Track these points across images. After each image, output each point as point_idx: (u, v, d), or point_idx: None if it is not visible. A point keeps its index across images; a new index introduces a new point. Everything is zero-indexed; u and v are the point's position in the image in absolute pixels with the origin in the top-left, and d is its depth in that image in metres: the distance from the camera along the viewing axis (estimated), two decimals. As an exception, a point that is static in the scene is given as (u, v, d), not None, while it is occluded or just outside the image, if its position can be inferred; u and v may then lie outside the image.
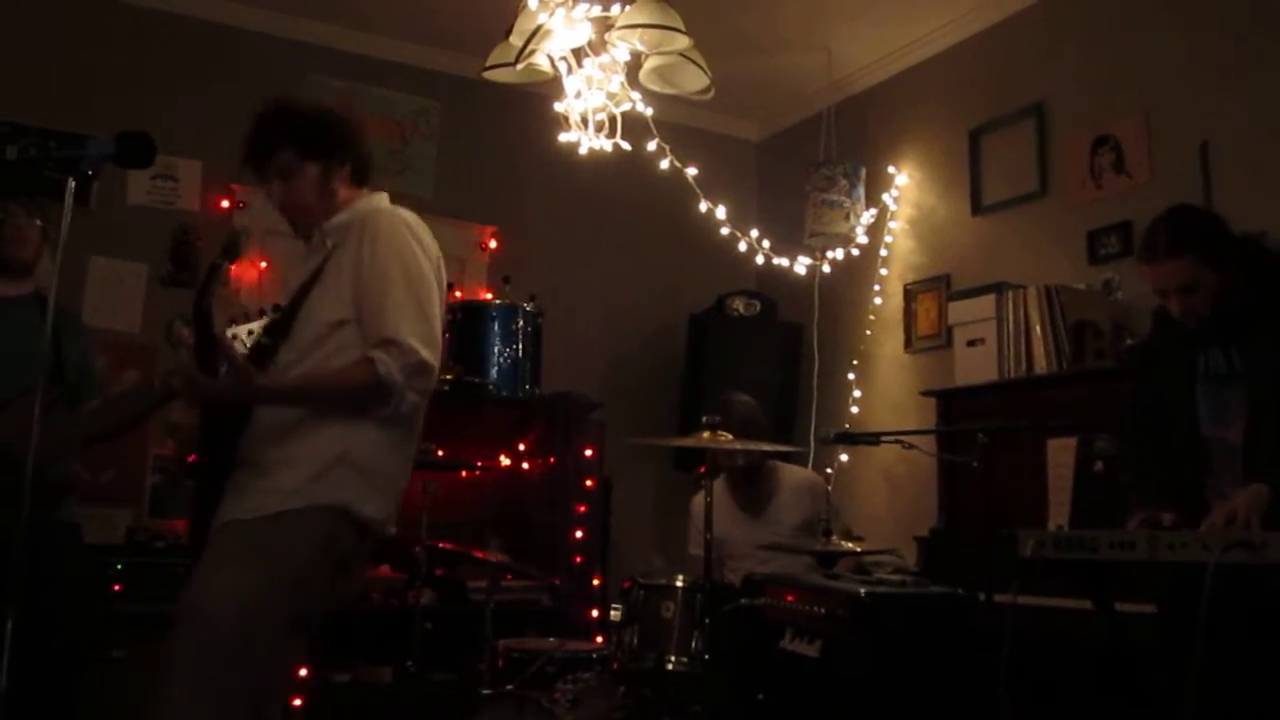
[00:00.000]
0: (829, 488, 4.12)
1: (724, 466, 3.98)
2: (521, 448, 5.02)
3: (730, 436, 3.39)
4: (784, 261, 5.21)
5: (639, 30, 3.45)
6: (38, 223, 3.06)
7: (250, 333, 2.36)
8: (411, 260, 2.36)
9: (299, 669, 3.68)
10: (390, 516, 2.39)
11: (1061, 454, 3.39)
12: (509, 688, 3.25)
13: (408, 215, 2.46)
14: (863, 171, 5.14)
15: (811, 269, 5.25)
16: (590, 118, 3.74)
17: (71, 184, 2.18)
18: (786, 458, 4.12)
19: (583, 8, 3.49)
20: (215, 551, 2.25)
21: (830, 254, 5.23)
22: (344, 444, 2.29)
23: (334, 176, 2.48)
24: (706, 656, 3.11)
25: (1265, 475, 2.37)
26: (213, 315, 2.31)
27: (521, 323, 4.74)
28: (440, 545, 3.82)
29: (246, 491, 2.28)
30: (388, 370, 2.23)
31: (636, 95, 3.83)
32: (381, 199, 2.55)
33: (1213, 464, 2.59)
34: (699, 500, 3.41)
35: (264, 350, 2.37)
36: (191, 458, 2.54)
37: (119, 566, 3.83)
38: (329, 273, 2.39)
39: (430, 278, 2.39)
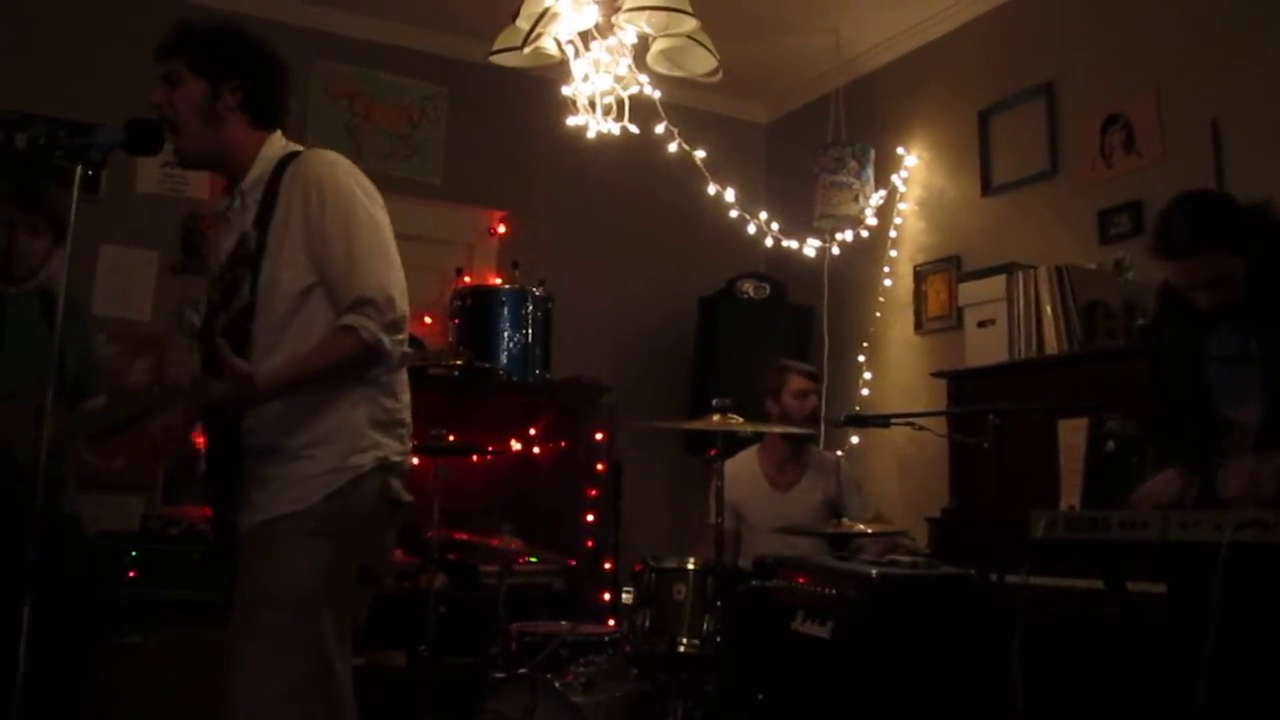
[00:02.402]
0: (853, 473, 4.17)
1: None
2: (532, 432, 5.03)
3: (741, 419, 3.40)
4: (793, 244, 5.20)
5: (646, 12, 3.44)
6: (43, 227, 3.01)
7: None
8: (361, 209, 2.30)
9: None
10: (408, 452, 2.45)
11: (1073, 434, 3.38)
12: (521, 671, 3.27)
13: (337, 159, 2.36)
14: (872, 153, 5.12)
15: (821, 251, 5.24)
16: (598, 101, 3.73)
17: (80, 172, 2.17)
18: (803, 438, 4.15)
19: (589, -10, 3.48)
20: (270, 541, 2.23)
21: (840, 236, 5.21)
22: (365, 410, 2.31)
23: (220, 100, 2.33)
24: (718, 639, 3.12)
25: None
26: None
27: (531, 307, 4.74)
28: (456, 536, 3.84)
29: (287, 482, 2.26)
30: (372, 334, 2.22)
31: (644, 78, 3.82)
32: (282, 142, 2.41)
33: (1226, 445, 2.58)
34: (723, 470, 3.42)
35: (234, 336, 2.28)
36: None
37: (133, 554, 3.84)
38: (274, 237, 2.28)
39: (385, 223, 2.35)
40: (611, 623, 4.13)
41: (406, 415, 2.45)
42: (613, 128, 3.78)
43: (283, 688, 2.14)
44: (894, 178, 5.14)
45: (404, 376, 2.45)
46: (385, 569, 2.49)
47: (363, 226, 2.28)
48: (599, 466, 4.75)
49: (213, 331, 2.31)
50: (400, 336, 2.30)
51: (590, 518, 4.67)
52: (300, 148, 2.42)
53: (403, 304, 2.28)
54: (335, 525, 2.24)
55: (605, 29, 3.61)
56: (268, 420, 2.29)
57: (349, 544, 2.26)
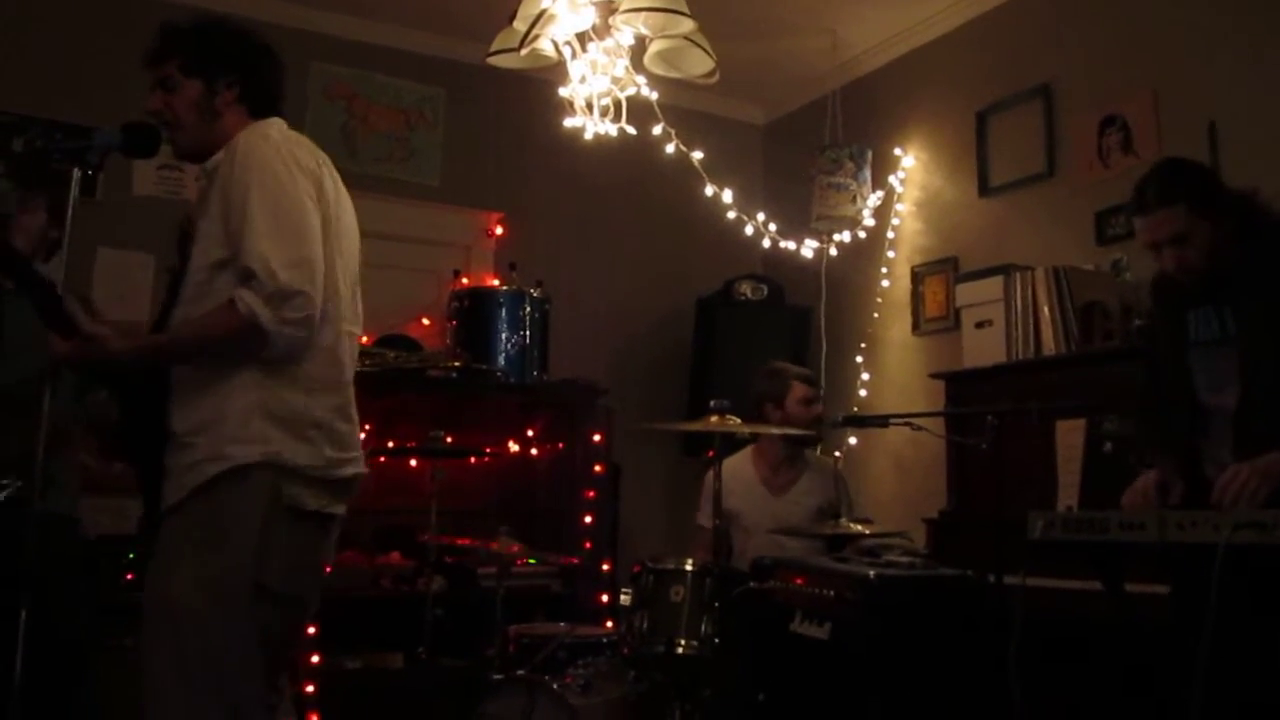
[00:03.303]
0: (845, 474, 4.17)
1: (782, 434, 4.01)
2: (530, 434, 5.03)
3: (738, 420, 3.40)
4: (791, 245, 5.20)
5: (643, 14, 3.43)
6: (37, 203, 3.00)
7: None
8: (270, 178, 2.15)
9: (308, 653, 3.71)
10: (334, 460, 2.21)
11: (1071, 435, 3.38)
12: (520, 673, 3.27)
13: (272, 131, 2.27)
14: (869, 154, 5.12)
15: (818, 252, 5.24)
16: (595, 102, 3.73)
17: (77, 175, 2.17)
18: (801, 440, 4.14)
19: (586, -8, 3.48)
20: (167, 543, 2.15)
21: (837, 237, 5.22)
22: (253, 396, 2.13)
23: (218, 98, 2.31)
24: (716, 640, 3.12)
25: (1263, 442, 2.36)
26: (42, 279, 2.16)
27: (528, 309, 4.74)
28: (454, 539, 3.84)
29: (174, 472, 2.16)
30: (249, 308, 2.05)
31: (641, 79, 3.82)
32: (265, 123, 2.33)
33: (1209, 431, 2.58)
34: (712, 474, 3.42)
35: (163, 314, 2.27)
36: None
37: (130, 556, 3.83)
38: (203, 215, 2.23)
39: (296, 192, 2.17)
40: (609, 624, 4.13)
41: (328, 419, 2.22)
42: (610, 129, 3.78)
43: (176, 703, 2.04)
44: (891, 179, 5.14)
45: (328, 373, 2.24)
46: (305, 595, 2.25)
47: (264, 196, 2.13)
48: (597, 468, 4.74)
49: (163, 311, 2.26)
50: (292, 315, 2.09)
51: (588, 519, 4.67)
52: (266, 125, 2.35)
53: (289, 276, 2.08)
54: (218, 531, 2.09)
55: (602, 30, 3.60)
56: (175, 404, 2.20)
57: (236, 556, 2.08)
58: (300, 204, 2.18)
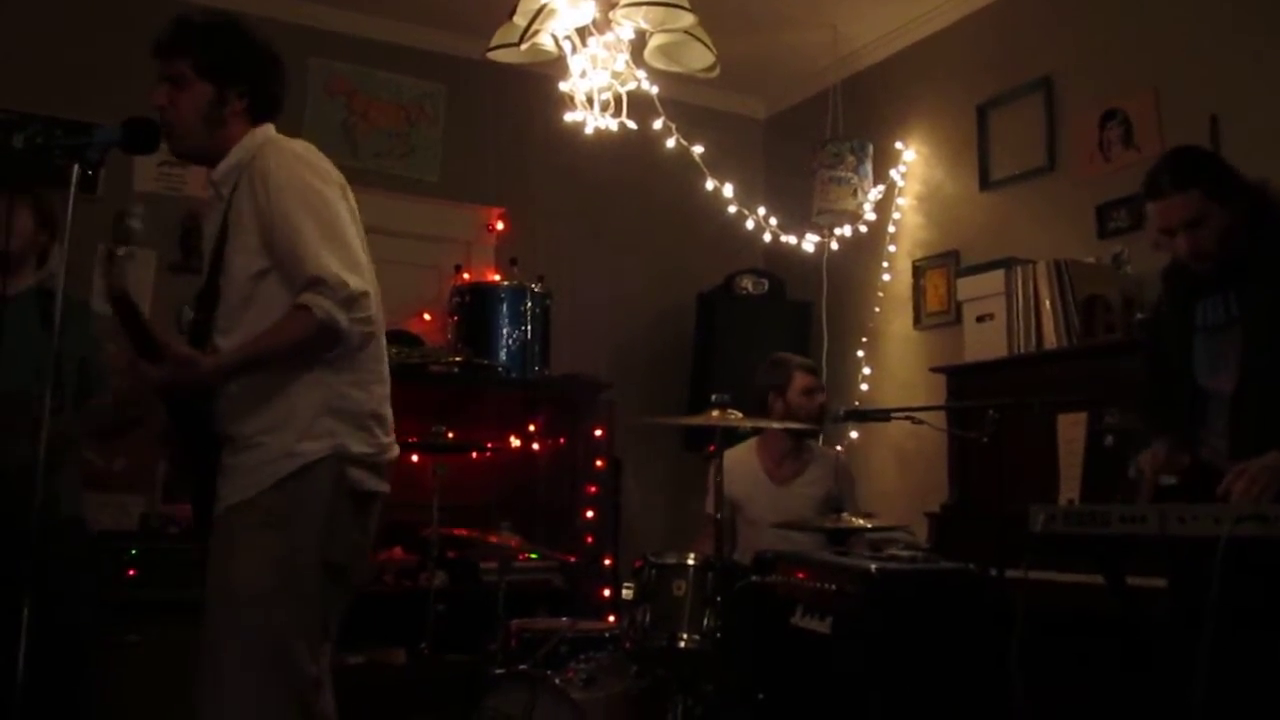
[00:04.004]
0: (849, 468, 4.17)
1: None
2: (531, 429, 5.04)
3: (740, 415, 3.39)
4: (792, 239, 5.20)
5: (643, 8, 3.43)
6: (23, 203, 2.97)
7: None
8: (310, 191, 2.26)
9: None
10: (383, 445, 2.36)
11: (1072, 429, 3.38)
12: (521, 668, 3.27)
13: (295, 144, 2.35)
14: (870, 148, 5.12)
15: (820, 246, 5.24)
16: (595, 97, 3.73)
17: (78, 171, 2.17)
18: (803, 433, 4.14)
19: (586, -14, 3.48)
20: (228, 535, 2.22)
21: (838, 231, 5.21)
22: (319, 395, 2.25)
23: (227, 105, 2.35)
24: (718, 634, 3.12)
25: (1259, 426, 2.36)
26: (133, 302, 2.23)
27: (530, 304, 4.74)
28: (456, 533, 3.84)
29: (238, 471, 2.24)
30: (325, 312, 2.16)
31: (641, 74, 3.82)
32: (265, 132, 2.40)
33: (1207, 414, 2.58)
34: (718, 463, 3.42)
35: (200, 326, 2.33)
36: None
37: (133, 553, 3.84)
38: (232, 226, 2.30)
39: (334, 202, 2.29)
40: (611, 619, 4.14)
41: (380, 408, 2.36)
42: (610, 124, 3.78)
43: (245, 689, 2.10)
44: (892, 173, 5.14)
45: (377, 367, 2.37)
46: (358, 568, 2.38)
47: (308, 208, 2.24)
48: (598, 463, 4.75)
49: (198, 324, 2.32)
50: (360, 315, 2.22)
51: (590, 514, 4.68)
52: (279, 138, 2.40)
53: (356, 281, 2.20)
54: (285, 516, 2.19)
55: (602, 25, 3.61)
56: (225, 408, 2.27)
57: (304, 537, 2.20)
58: (339, 212, 2.29)
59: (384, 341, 2.42)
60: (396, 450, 2.42)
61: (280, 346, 2.24)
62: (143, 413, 2.87)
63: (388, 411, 2.39)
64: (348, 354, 2.27)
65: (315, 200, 2.25)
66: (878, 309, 5.18)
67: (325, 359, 2.25)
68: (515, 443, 5.00)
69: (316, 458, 2.22)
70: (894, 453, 4.97)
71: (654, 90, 3.95)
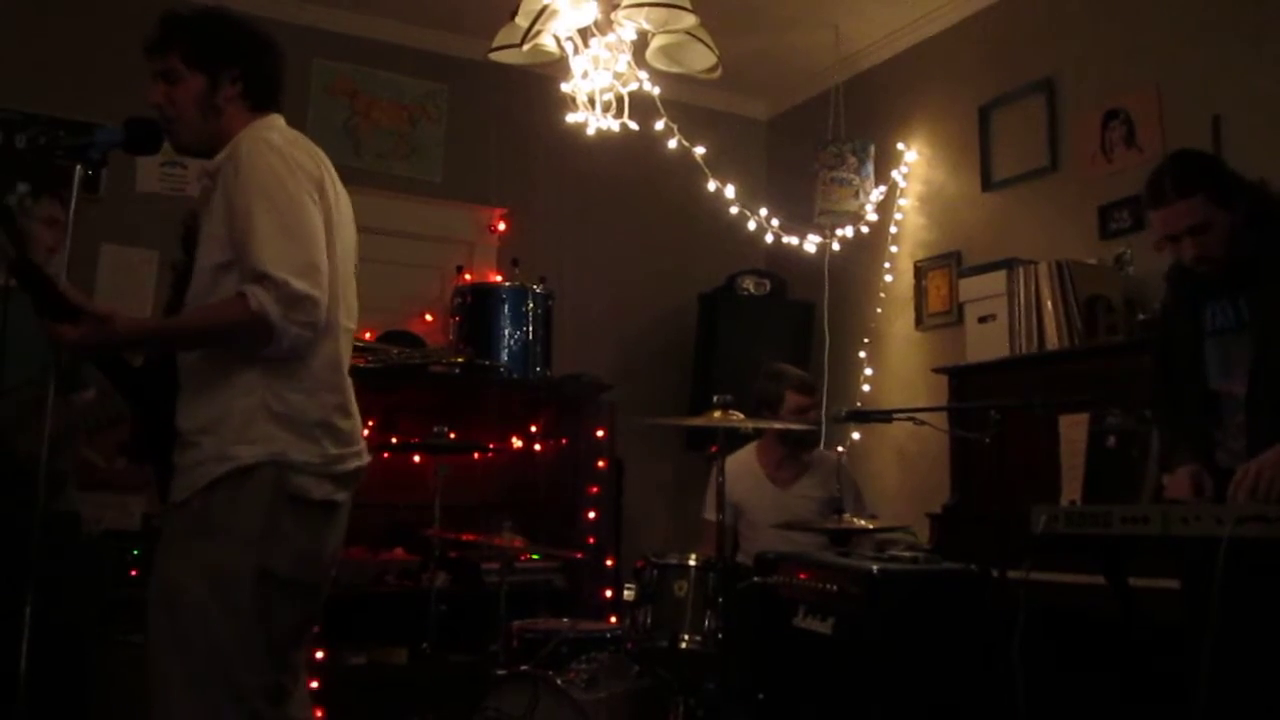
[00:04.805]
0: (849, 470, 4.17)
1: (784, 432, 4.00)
2: (533, 429, 5.04)
3: (741, 415, 3.39)
4: (794, 240, 5.20)
5: (645, 9, 3.43)
6: (57, 217, 3.00)
7: None
8: (274, 183, 2.15)
9: (313, 649, 3.71)
10: (335, 456, 2.23)
11: (1074, 430, 3.38)
12: (523, 668, 3.27)
13: (273, 134, 2.26)
14: (872, 148, 5.11)
15: (821, 247, 5.24)
16: (597, 98, 3.73)
17: (80, 171, 2.17)
18: (804, 435, 4.14)
19: (588, -13, 3.47)
20: (171, 536, 2.18)
21: (840, 232, 5.21)
22: (256, 398, 2.15)
23: (220, 93, 2.30)
24: (720, 635, 3.12)
25: (1271, 426, 2.36)
26: (36, 264, 2.17)
27: (531, 305, 4.74)
28: (458, 534, 3.84)
29: (180, 470, 2.18)
30: (259, 304, 2.06)
31: (643, 75, 3.82)
32: (265, 122, 2.33)
33: (1221, 418, 2.58)
34: (719, 465, 3.42)
35: (169, 308, 2.30)
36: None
37: (135, 552, 3.84)
38: (206, 216, 2.24)
39: (300, 196, 2.18)
40: (613, 619, 4.14)
41: (330, 418, 2.24)
42: (612, 124, 3.78)
43: (187, 703, 2.04)
44: (894, 173, 5.13)
45: (330, 377, 2.26)
46: (313, 579, 2.25)
47: (268, 201, 2.14)
48: (600, 463, 4.75)
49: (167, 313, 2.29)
50: (300, 317, 2.10)
51: (591, 515, 4.68)
52: (265, 127, 2.34)
53: (302, 285, 2.10)
54: (215, 522, 2.10)
55: (604, 25, 3.60)
56: (182, 401, 2.22)
57: (235, 544, 2.10)
58: (304, 207, 2.18)
59: (343, 350, 2.32)
60: (360, 461, 2.31)
61: (206, 326, 2.17)
62: (125, 409, 2.86)
63: (344, 423, 2.27)
64: (294, 360, 2.17)
65: (278, 193, 2.16)
66: (879, 309, 5.18)
67: (266, 362, 2.15)
68: (517, 443, 5.01)
69: (252, 462, 2.12)
70: (896, 453, 4.96)
71: (656, 91, 3.95)
